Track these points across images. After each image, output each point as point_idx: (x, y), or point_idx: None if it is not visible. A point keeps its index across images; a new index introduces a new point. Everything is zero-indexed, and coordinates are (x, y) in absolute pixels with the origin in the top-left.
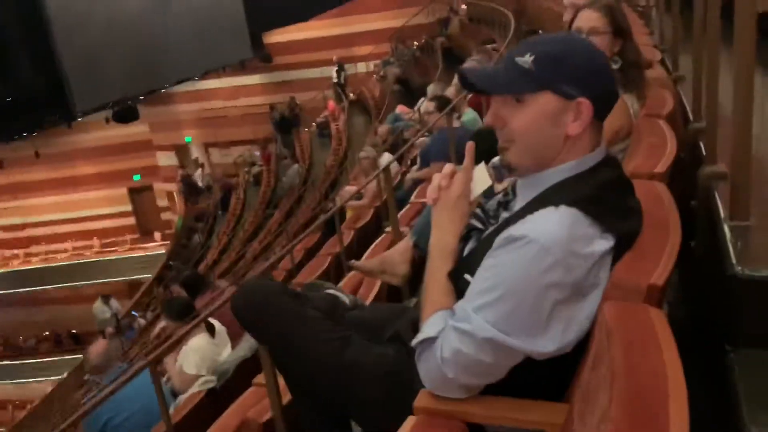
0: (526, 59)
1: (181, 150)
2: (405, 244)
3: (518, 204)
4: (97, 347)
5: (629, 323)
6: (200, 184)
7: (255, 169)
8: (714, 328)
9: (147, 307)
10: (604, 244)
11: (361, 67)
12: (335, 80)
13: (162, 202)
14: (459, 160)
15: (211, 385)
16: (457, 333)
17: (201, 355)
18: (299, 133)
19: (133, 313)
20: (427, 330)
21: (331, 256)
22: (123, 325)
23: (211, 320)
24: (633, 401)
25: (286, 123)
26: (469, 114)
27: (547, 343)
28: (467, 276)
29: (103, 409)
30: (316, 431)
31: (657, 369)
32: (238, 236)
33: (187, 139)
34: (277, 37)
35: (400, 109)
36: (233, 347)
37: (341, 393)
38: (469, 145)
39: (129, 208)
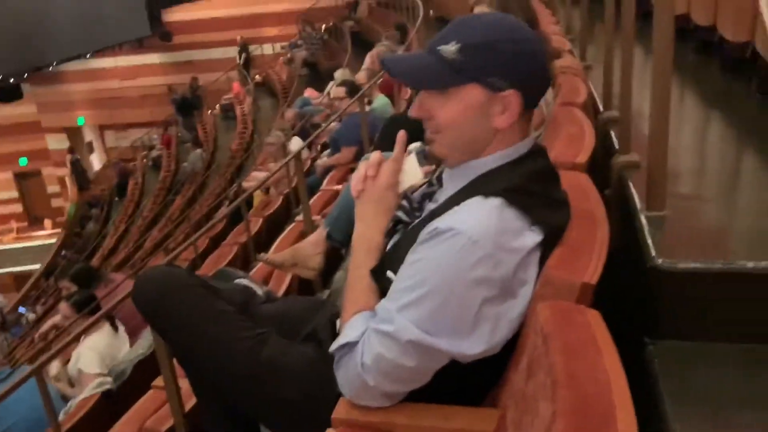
0: (451, 48)
1: (73, 132)
2: (317, 236)
3: (444, 194)
4: None
5: (567, 327)
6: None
7: (154, 153)
8: (632, 321)
9: (36, 302)
10: (532, 237)
11: (267, 49)
12: (239, 61)
13: (53, 188)
14: (370, 146)
15: (106, 387)
16: (378, 336)
17: (99, 353)
18: (202, 115)
19: (21, 309)
20: (347, 333)
21: (238, 246)
22: (8, 321)
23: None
24: (579, 413)
25: (188, 105)
26: (380, 99)
27: (475, 344)
28: (390, 273)
29: None
30: None
31: (600, 377)
32: (137, 224)
33: (80, 120)
34: (177, 14)
35: (309, 93)
36: (131, 345)
37: (255, 395)
38: (401, 134)
39: (15, 194)
